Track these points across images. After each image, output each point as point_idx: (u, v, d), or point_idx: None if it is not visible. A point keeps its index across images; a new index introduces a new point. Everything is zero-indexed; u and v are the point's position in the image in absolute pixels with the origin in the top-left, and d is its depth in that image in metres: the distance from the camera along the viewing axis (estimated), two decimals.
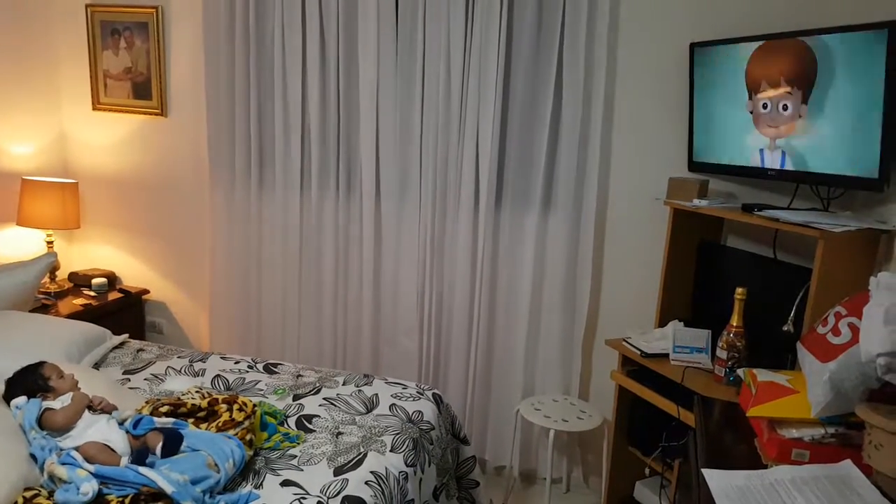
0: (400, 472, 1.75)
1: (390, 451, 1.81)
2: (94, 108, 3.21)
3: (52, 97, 3.22)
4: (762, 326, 2.02)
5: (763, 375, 1.49)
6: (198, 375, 2.22)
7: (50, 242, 3.07)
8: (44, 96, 3.18)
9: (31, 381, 1.67)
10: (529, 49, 2.51)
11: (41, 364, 1.73)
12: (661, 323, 2.35)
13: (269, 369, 2.31)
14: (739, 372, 1.90)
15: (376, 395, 2.14)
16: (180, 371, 2.24)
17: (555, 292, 2.65)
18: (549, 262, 2.67)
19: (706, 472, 1.23)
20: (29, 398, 1.64)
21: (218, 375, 2.22)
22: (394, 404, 2.07)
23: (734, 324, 1.98)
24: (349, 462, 1.73)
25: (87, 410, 1.63)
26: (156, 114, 3.12)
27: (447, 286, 2.78)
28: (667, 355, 2.19)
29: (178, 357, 2.34)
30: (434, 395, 2.17)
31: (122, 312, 3.10)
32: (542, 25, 2.50)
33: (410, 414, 2.02)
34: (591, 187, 2.56)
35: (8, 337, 2.03)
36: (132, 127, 3.18)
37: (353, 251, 2.90)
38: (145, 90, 3.11)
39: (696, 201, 2.19)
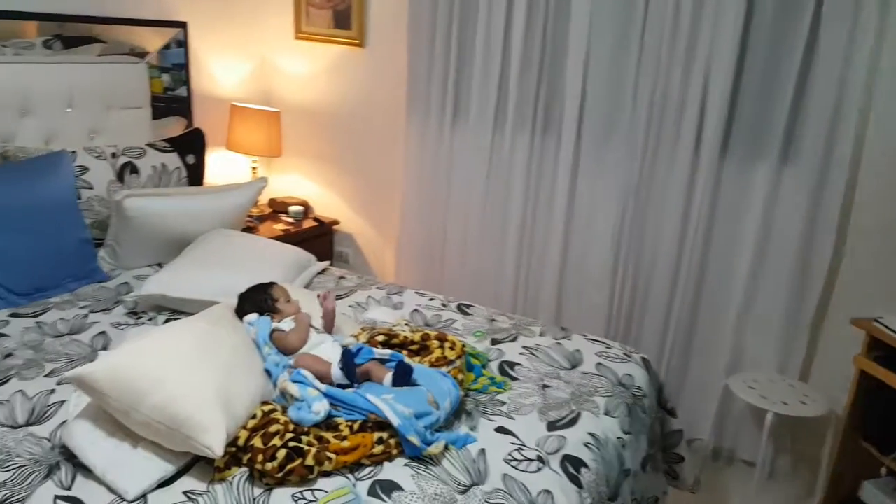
0: (618, 439, 1.61)
1: (604, 414, 1.66)
2: (296, 37, 3.27)
3: (256, 25, 3.30)
4: None
5: None
6: (396, 308, 2.21)
7: (255, 168, 3.24)
8: (249, 24, 3.26)
9: (262, 299, 1.72)
10: None
11: (271, 284, 1.77)
12: None
13: (463, 310, 2.25)
14: None
15: (578, 350, 1.99)
16: (379, 302, 2.25)
17: (783, 258, 2.30)
18: (779, 221, 2.31)
19: None
20: (259, 315, 1.69)
21: (416, 310, 2.20)
22: (600, 363, 1.92)
23: None
24: (562, 419, 1.61)
25: (312, 330, 1.65)
26: (355, 44, 3.10)
27: (651, 240, 2.53)
28: None
29: (377, 288, 2.36)
30: (643, 359, 1.98)
31: (315, 240, 3.23)
32: None
33: (620, 377, 1.86)
34: (847, 135, 2.14)
35: (234, 254, 2.15)
36: (331, 57, 3.20)
37: (544, 194, 2.73)
38: (345, 19, 3.10)
39: None
